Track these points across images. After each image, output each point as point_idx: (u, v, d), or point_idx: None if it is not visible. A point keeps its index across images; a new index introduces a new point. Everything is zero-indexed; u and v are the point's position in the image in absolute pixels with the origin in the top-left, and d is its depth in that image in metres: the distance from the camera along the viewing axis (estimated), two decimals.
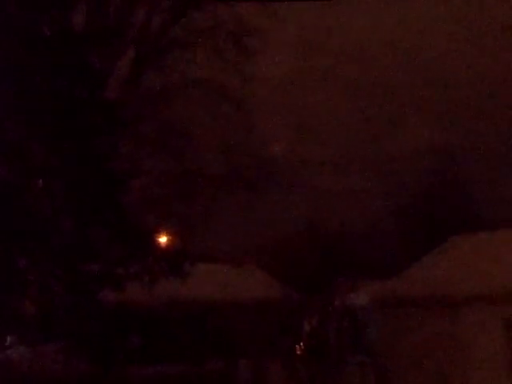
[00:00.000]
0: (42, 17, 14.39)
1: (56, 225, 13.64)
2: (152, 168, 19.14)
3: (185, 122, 19.33)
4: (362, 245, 25.69)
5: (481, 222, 23.96)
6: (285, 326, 22.74)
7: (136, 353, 17.10)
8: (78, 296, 14.04)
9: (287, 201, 26.81)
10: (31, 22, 14.07)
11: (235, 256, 25.27)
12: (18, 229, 13.00)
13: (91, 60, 15.50)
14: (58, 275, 13.97)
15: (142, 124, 17.87)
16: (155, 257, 16.15)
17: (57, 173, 13.89)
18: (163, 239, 21.69)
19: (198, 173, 20.30)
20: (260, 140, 21.61)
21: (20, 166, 13.55)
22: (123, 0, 17.57)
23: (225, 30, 18.09)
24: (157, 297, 19.08)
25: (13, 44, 13.29)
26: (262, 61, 19.74)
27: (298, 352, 22.74)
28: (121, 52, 17.28)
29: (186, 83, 18.77)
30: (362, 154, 32.46)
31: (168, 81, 18.83)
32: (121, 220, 14.44)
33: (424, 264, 16.12)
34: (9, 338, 15.58)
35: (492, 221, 23.66)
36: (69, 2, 15.29)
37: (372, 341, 17.51)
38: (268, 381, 17.62)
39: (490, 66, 32.66)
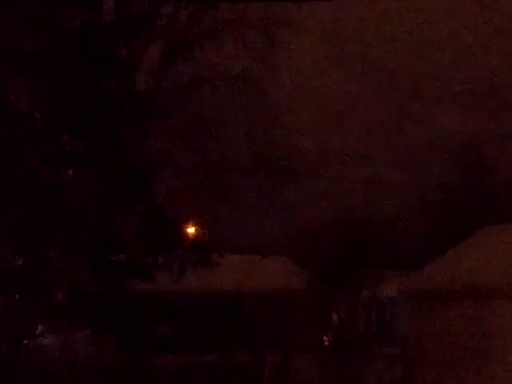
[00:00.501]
0: (71, 8, 14.50)
1: (84, 214, 13.80)
2: (180, 159, 19.25)
3: (212, 113, 19.42)
4: (390, 236, 25.58)
5: (509, 213, 23.68)
6: (312, 317, 22.80)
7: (164, 342, 17.31)
8: (106, 285, 14.22)
9: (314, 191, 26.80)
10: (60, 13, 14.20)
11: (262, 246, 25.34)
12: (47, 218, 13.17)
13: (120, 51, 15.61)
14: (86, 264, 14.14)
15: (170, 115, 18.00)
16: (184, 247, 16.30)
17: (85, 162, 14.03)
18: (191, 230, 21.86)
19: (225, 164, 20.38)
20: (286, 130, 21.65)
21: (49, 155, 13.73)
22: None
23: (252, 21, 18.11)
24: (185, 287, 19.28)
25: (41, 35, 13.43)
26: (289, 51, 19.74)
27: (326, 343, 22.76)
28: (149, 43, 17.40)
29: (214, 74, 18.84)
30: (389, 144, 32.28)
31: (196, 72, 18.93)
32: (149, 210, 14.55)
33: (452, 255, 15.98)
34: (39, 327, 15.86)
35: None
36: None
37: (400, 332, 17.52)
38: (295, 372, 17.60)
39: None
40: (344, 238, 24.48)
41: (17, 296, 13.83)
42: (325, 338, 23.28)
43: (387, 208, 27.35)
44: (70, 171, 14.20)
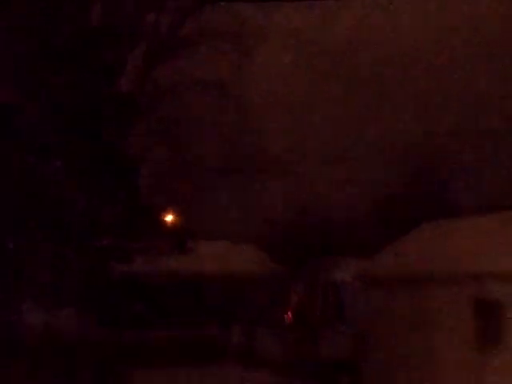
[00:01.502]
0: (60, 14, 14.17)
1: (72, 202, 13.60)
2: (159, 157, 19.08)
3: (189, 115, 19.24)
4: (346, 227, 25.88)
5: (455, 209, 23.96)
6: (275, 297, 22.94)
7: (140, 319, 17.29)
8: (89, 266, 14.06)
9: (281, 187, 26.81)
10: (49, 20, 13.87)
11: (232, 235, 25.37)
12: (36, 204, 12.88)
13: (105, 54, 15.31)
14: (71, 247, 13.96)
15: (150, 116, 17.82)
16: (161, 233, 16.22)
17: (74, 156, 13.80)
18: (169, 218, 21.77)
19: (200, 161, 20.24)
20: (256, 133, 21.55)
21: (40, 148, 13.45)
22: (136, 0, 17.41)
23: (226, 31, 17.94)
24: (162, 269, 19.25)
25: (32, 38, 13.07)
26: (260, 59, 19.62)
27: (287, 321, 22.89)
28: (133, 48, 17.12)
29: (191, 80, 18.66)
30: (348, 147, 32.62)
31: (175, 77, 18.72)
32: (131, 199, 14.42)
33: (400, 245, 16.06)
34: (26, 304, 15.57)
35: (466, 208, 23.75)
36: (86, 1, 15.10)
37: (354, 313, 17.59)
38: (259, 346, 17.74)
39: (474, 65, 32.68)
40: (306, 228, 24.74)
41: (6, 277, 13.57)
42: (286, 315, 23.37)
43: (345, 203, 27.59)
44: (59, 162, 13.97)
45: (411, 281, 14.14)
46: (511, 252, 12.44)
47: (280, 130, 30.53)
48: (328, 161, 30.84)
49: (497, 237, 13.49)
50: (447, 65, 32.07)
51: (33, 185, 13.33)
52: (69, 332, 14.87)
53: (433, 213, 19.30)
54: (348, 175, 29.53)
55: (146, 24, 17.11)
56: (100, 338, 14.81)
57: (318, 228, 24.56)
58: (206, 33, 17.83)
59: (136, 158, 15.42)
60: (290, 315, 23.43)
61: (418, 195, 26.70)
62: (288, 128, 31.35)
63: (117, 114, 15.04)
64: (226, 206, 24.43)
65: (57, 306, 14.89)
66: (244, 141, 20.65)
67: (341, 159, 30.75)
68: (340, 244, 23.90)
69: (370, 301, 15.47)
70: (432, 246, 14.79)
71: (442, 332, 13.26)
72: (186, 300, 19.95)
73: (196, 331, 17.57)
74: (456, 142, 29.20)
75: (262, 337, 18.02)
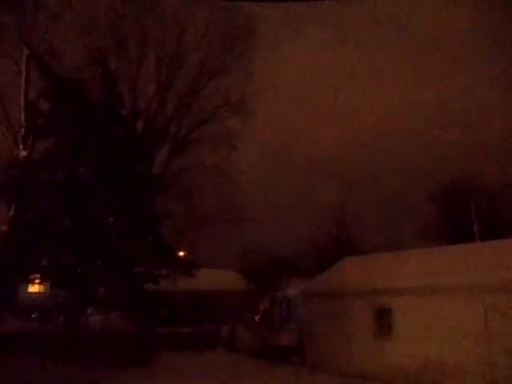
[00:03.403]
0: (119, 128, 15.04)
1: (119, 243, 14.01)
2: (176, 214, 19.38)
3: (196, 187, 19.86)
4: (295, 261, 25.90)
5: (362, 250, 24.19)
6: (249, 306, 22.83)
7: (163, 320, 17.06)
8: (131, 285, 14.25)
9: (251, 233, 27.12)
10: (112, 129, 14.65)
11: (222, 264, 25.44)
12: (99, 246, 13.37)
13: (146, 151, 16.19)
14: (119, 273, 14.18)
15: (171, 188, 18.37)
16: (176, 264, 16.35)
17: (120, 215, 14.32)
18: (181, 254, 21.84)
19: (202, 216, 20.60)
20: (239, 195, 22.08)
21: (99, 210, 13.94)
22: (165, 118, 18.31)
23: (218, 135, 18.84)
24: (177, 288, 19.07)
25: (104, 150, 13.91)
26: (240, 155, 20.57)
27: (256, 321, 22.74)
28: (161, 147, 17.97)
29: (197, 165, 19.43)
30: (302, 208, 33.54)
31: (186, 163, 19.48)
32: (158, 242, 14.71)
33: (328, 273, 16.16)
34: (89, 309, 15.59)
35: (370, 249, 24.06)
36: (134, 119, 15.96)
37: (298, 316, 17.63)
38: (238, 337, 17.54)
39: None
40: (269, 260, 24.94)
41: (76, 292, 13.77)
42: (256, 317, 23.29)
43: (295, 245, 27.90)
44: (111, 219, 14.42)
45: (334, 295, 14.22)
46: (396, 276, 12.95)
47: (251, 196, 31.30)
48: (284, 217, 31.40)
49: (388, 266, 13.88)
50: None
51: (94, 233, 13.82)
52: (117, 328, 14.78)
53: (349, 252, 19.68)
54: (296, 230, 30.10)
55: (169, 133, 18.09)
56: (136, 332, 14.71)
57: (277, 260, 24.67)
58: (206, 138, 18.80)
59: (161, 215, 15.86)
60: (259, 318, 23.35)
61: (340, 242, 26.92)
62: (257, 195, 32.20)
63: (150, 187, 15.67)
64: (218, 245, 24.55)
65: (109, 310, 14.94)
66: (231, 201, 21.27)
67: (292, 217, 31.43)
68: (290, 271, 23.98)
69: (309, 309, 15.35)
70: (348, 273, 14.93)
71: (353, 327, 13.33)
72: (192, 307, 19.76)
73: (199, 328, 17.20)
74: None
75: (241, 332, 17.72)
